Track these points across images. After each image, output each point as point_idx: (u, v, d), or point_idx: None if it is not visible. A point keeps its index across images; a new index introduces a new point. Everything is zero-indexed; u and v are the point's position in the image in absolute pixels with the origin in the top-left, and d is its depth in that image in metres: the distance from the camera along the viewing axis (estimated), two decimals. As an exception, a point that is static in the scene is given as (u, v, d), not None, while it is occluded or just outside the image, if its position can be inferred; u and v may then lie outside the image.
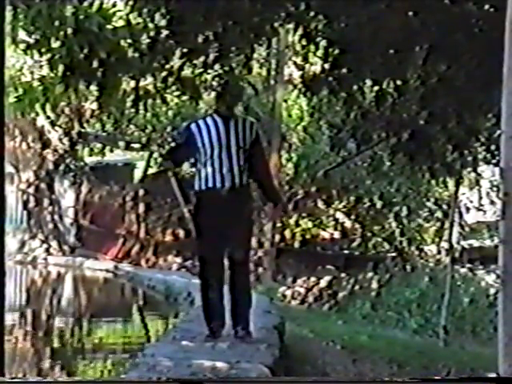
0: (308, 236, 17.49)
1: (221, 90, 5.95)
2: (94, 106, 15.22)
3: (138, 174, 19.79)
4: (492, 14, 7.18)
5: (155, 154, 18.67)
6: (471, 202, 15.18)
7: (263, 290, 12.69)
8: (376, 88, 8.48)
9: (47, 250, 19.06)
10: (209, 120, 5.90)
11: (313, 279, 14.67)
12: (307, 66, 9.33)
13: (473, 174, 13.77)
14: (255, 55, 8.61)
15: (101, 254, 18.58)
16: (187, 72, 8.37)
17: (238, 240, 5.89)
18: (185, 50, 7.80)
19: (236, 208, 5.83)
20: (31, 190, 19.40)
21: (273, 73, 15.80)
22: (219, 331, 5.88)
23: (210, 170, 5.82)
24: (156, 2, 7.47)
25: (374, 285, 13.70)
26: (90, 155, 19.51)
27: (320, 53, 8.22)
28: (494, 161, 10.21)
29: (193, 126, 5.92)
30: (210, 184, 5.82)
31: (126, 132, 18.51)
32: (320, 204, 17.22)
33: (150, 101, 9.38)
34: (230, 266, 5.94)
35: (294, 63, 15.18)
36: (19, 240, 19.07)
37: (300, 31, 8.10)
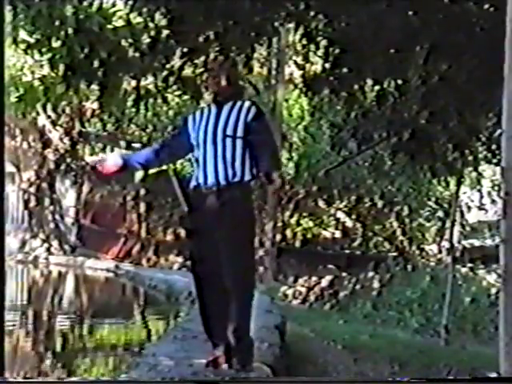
0: (309, 235, 17.51)
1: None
2: (95, 105, 15.23)
3: (139, 173, 19.70)
4: (492, 14, 7.18)
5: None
6: (472, 201, 15.22)
7: (264, 289, 12.66)
8: (377, 87, 8.49)
9: (48, 250, 19.05)
10: (205, 109, 4.94)
11: (314, 278, 14.63)
12: (308, 65, 9.36)
13: (474, 174, 13.80)
14: (256, 55, 8.61)
15: (102, 253, 18.57)
16: (188, 71, 8.36)
17: (226, 252, 4.65)
18: (185, 50, 7.80)
19: (223, 211, 4.66)
20: (32, 189, 19.39)
21: (273, 72, 15.80)
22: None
23: (196, 165, 4.86)
24: (156, 1, 7.47)
25: (375, 284, 13.65)
26: (91, 155, 19.50)
27: (321, 52, 8.22)
28: (495, 160, 10.21)
29: (190, 117, 4.97)
30: (195, 182, 4.82)
31: (126, 131, 18.50)
32: (321, 203, 17.22)
33: (150, 100, 9.37)
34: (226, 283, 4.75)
35: (295, 63, 15.19)
36: (20, 239, 19.06)
37: (301, 31, 8.11)
